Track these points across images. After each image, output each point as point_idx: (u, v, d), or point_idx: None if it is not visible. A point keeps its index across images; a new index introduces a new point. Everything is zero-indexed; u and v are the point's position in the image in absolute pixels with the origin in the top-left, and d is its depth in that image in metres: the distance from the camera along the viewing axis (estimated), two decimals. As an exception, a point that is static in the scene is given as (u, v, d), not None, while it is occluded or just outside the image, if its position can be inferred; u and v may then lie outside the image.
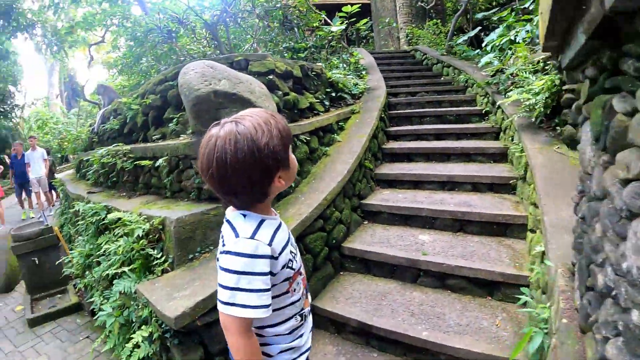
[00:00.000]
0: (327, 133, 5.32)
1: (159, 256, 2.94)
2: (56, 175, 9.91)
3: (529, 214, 3.63)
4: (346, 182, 4.38)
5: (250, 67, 4.65)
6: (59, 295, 6.19)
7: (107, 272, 3.20)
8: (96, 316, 3.68)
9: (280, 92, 4.79)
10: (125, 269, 2.99)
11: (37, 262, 6.04)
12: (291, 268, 1.26)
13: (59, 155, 15.30)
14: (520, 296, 2.71)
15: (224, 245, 1.17)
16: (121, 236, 3.31)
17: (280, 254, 1.19)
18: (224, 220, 1.24)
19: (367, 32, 15.13)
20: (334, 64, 8.22)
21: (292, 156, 1.22)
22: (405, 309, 3.28)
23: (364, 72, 8.31)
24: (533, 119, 4.70)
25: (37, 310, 5.80)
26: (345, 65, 8.51)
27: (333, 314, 3.33)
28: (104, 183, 5.49)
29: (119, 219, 3.50)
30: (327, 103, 6.18)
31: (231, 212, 1.23)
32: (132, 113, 5.16)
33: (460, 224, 4.19)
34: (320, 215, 3.79)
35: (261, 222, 1.19)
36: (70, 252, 4.88)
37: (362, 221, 4.64)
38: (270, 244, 1.15)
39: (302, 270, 1.38)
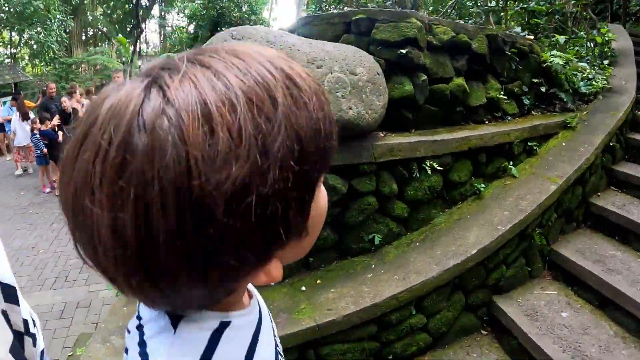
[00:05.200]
0: (496, 157, 3.23)
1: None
2: None
3: None
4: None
5: (374, 32, 2.90)
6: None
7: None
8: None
9: (422, 77, 2.91)
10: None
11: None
12: None
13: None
14: None
15: None
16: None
17: None
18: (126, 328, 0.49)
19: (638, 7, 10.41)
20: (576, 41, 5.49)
21: (322, 194, 0.46)
22: None
23: (605, 63, 5.27)
24: None
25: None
26: (590, 44, 5.60)
27: None
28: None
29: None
30: (527, 101, 3.90)
31: (146, 311, 0.47)
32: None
33: None
34: None
35: (214, 339, 0.44)
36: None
37: None
38: None
39: None
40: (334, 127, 0.39)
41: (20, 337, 0.48)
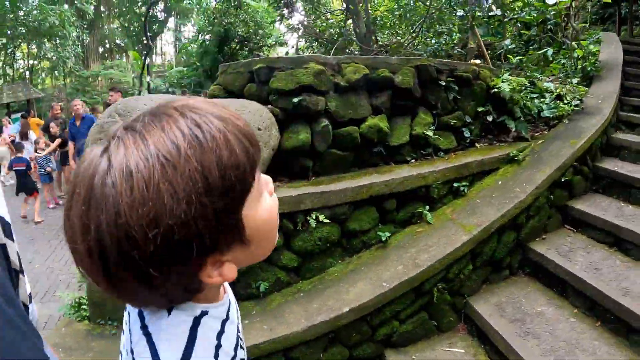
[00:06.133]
0: (412, 202, 3.02)
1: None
2: None
3: None
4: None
5: (272, 81, 2.86)
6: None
7: None
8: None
9: (323, 123, 2.79)
10: None
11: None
12: None
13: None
14: None
15: None
16: None
17: None
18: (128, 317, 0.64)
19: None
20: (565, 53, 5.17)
21: (262, 208, 0.56)
22: None
23: (574, 81, 4.80)
24: None
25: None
26: (576, 59, 5.20)
27: None
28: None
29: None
30: (468, 134, 3.65)
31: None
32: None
33: None
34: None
35: (195, 323, 0.58)
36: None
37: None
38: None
39: None
40: (244, 160, 0.48)
41: (17, 275, 0.50)
